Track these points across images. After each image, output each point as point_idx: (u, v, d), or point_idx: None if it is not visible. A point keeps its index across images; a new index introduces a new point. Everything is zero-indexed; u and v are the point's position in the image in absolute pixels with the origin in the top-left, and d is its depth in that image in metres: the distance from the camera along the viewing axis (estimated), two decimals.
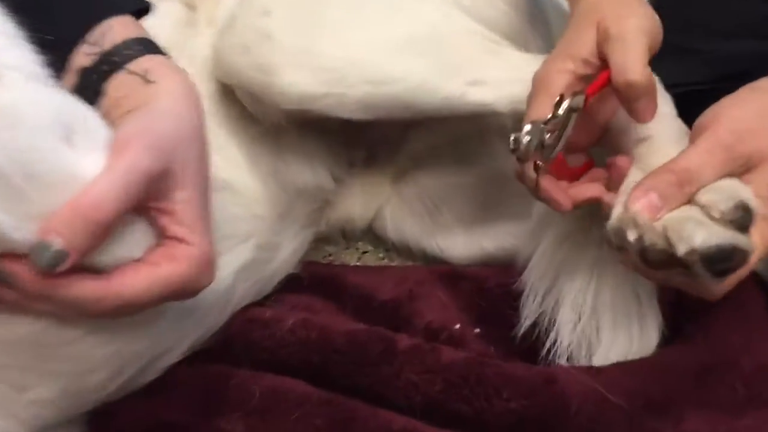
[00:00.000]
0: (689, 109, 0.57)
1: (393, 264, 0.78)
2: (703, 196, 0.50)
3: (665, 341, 0.60)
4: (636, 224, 0.50)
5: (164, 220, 0.48)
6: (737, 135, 0.51)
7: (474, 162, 0.78)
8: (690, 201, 0.51)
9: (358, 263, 0.78)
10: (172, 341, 0.60)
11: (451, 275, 0.72)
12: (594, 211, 0.62)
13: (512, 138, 0.54)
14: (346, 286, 0.70)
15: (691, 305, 0.61)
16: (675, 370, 0.56)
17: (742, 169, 0.52)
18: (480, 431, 0.57)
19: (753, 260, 0.50)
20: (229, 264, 0.64)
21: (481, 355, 0.63)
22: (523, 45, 0.71)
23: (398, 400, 0.59)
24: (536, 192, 0.56)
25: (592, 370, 0.57)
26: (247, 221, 0.68)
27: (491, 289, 0.69)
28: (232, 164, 0.69)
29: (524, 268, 0.66)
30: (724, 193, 0.50)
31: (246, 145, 0.70)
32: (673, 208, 0.50)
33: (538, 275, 0.65)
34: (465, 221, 0.77)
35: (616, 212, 0.53)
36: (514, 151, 0.54)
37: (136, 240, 0.47)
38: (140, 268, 0.47)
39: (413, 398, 0.59)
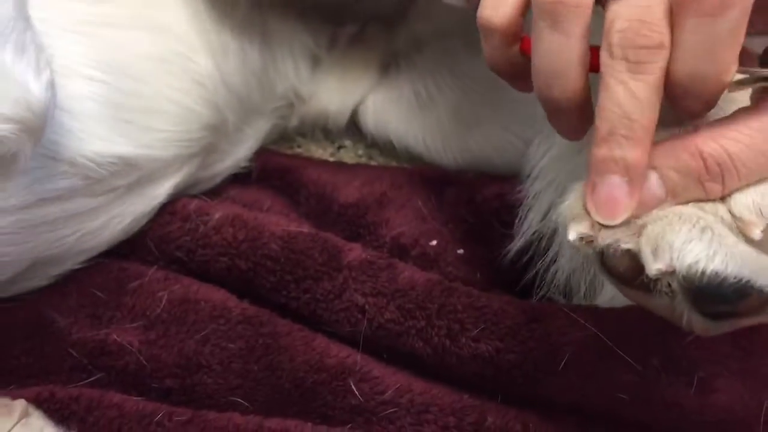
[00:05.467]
0: None
1: (371, 163, 0.64)
2: (740, 200, 0.31)
3: None
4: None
5: None
6: None
7: None
8: (714, 202, 0.32)
9: (330, 159, 0.64)
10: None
11: (437, 180, 0.57)
12: None
13: None
14: (303, 182, 0.56)
15: None
16: None
17: None
18: (437, 377, 0.44)
19: None
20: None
21: (461, 281, 0.50)
22: None
23: (339, 324, 0.46)
24: None
25: (594, 312, 0.43)
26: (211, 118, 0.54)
27: (484, 202, 0.55)
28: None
29: (528, 177, 0.51)
30: None
31: (235, 30, 0.55)
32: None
33: (542, 185, 0.50)
34: (463, 118, 0.61)
35: (576, 195, 0.33)
36: None
37: None
38: None
39: (357, 325, 0.45)
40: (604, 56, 0.32)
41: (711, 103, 0.33)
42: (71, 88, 0.42)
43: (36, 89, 0.36)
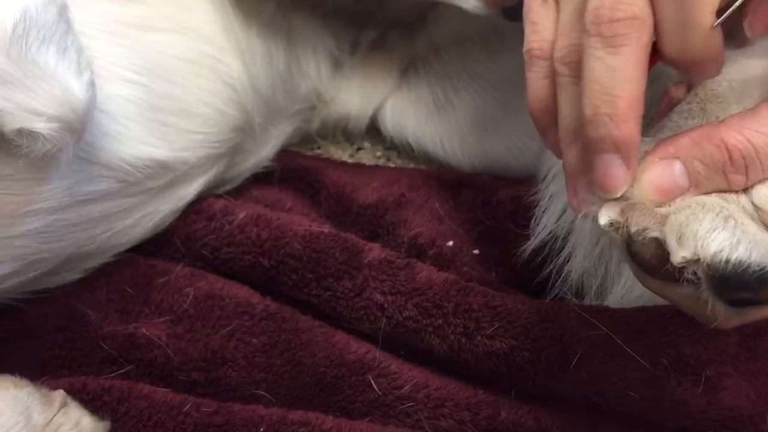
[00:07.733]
0: None
1: (389, 165, 0.65)
2: (763, 191, 0.31)
3: None
4: (625, 197, 0.32)
5: None
6: None
7: (506, 52, 0.64)
8: (736, 193, 0.32)
9: (349, 161, 0.66)
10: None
11: (453, 182, 0.59)
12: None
13: None
14: (324, 183, 0.58)
15: None
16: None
17: None
18: (452, 373, 0.46)
19: None
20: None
21: (477, 280, 0.51)
22: None
23: (358, 321, 0.48)
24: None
25: (605, 312, 0.44)
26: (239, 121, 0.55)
27: (500, 204, 0.56)
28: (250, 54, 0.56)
29: (544, 179, 0.53)
30: None
31: (261, 33, 0.57)
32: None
33: (557, 188, 0.51)
34: (480, 121, 0.63)
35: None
36: None
37: None
38: None
39: (376, 322, 0.47)
40: (583, 38, 0.33)
41: (706, 59, 0.33)
42: (109, 90, 0.44)
43: (77, 89, 0.38)
